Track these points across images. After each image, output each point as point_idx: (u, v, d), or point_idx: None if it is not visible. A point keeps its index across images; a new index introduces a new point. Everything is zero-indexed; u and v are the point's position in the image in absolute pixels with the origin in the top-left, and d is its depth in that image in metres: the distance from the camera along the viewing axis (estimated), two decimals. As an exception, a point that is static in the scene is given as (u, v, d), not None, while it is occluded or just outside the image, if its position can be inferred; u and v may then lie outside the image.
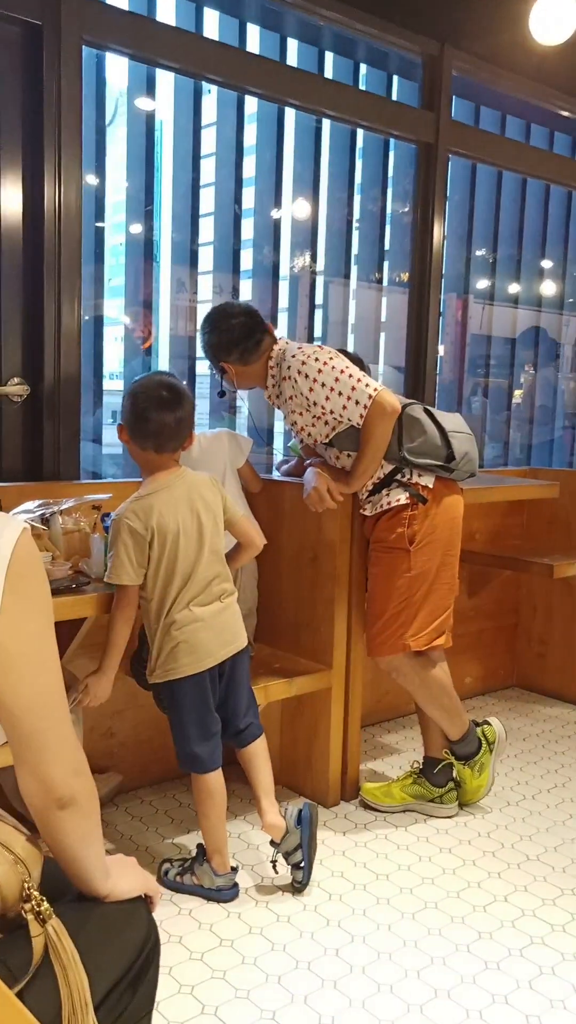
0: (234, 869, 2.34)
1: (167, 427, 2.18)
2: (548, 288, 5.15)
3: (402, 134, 3.91)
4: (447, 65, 3.88)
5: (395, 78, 4.03)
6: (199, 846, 2.35)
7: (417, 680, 2.70)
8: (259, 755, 2.38)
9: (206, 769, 2.27)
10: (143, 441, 2.21)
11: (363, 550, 2.76)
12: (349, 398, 2.50)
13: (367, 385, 2.50)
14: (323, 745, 2.83)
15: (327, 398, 2.52)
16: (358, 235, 4.12)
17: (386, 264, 4.28)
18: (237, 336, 2.62)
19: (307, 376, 2.54)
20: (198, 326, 3.74)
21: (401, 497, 2.60)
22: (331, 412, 2.54)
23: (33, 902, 1.06)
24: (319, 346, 2.64)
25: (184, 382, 2.44)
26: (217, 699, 2.30)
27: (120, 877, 1.22)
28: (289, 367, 2.57)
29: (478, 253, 4.71)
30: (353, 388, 2.50)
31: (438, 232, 4.02)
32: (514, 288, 4.95)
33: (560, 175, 4.67)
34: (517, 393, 5.22)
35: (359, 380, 2.51)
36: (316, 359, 2.55)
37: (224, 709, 2.33)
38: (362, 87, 3.94)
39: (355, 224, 4.10)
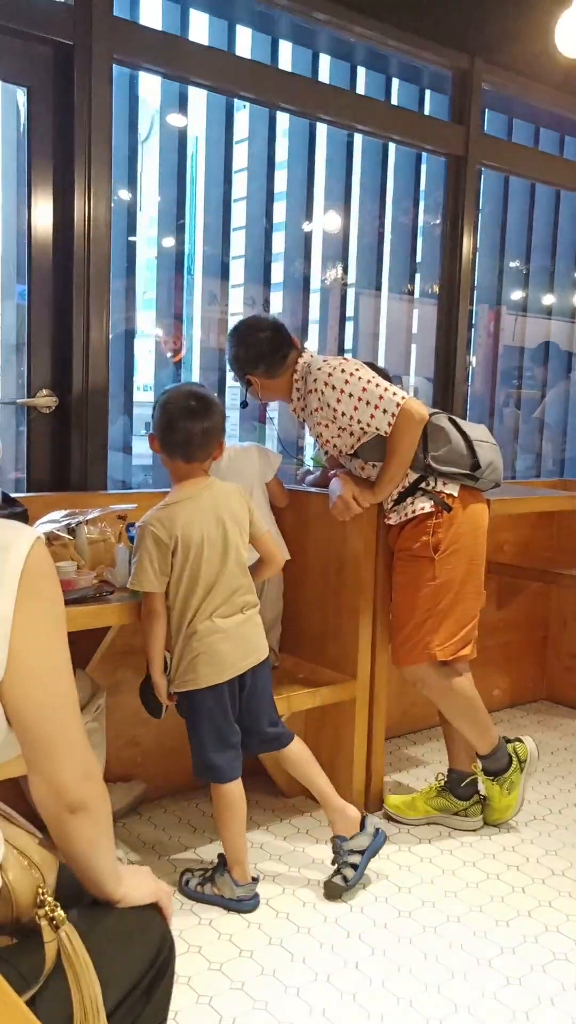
0: (255, 879, 2.35)
1: (195, 436, 2.21)
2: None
3: (433, 147, 3.92)
4: (477, 78, 3.89)
5: (427, 92, 4.05)
6: (220, 856, 2.36)
7: (443, 691, 2.69)
8: (303, 754, 2.41)
9: (224, 779, 2.28)
10: (172, 451, 2.24)
11: (388, 560, 2.76)
12: (377, 407, 2.52)
13: (394, 394, 2.52)
14: (347, 756, 2.83)
15: (355, 408, 2.54)
16: (390, 247, 4.14)
17: (418, 276, 4.28)
18: (264, 350, 2.65)
19: (334, 387, 2.55)
20: (229, 338, 3.80)
21: (426, 505, 2.60)
22: (358, 422, 2.56)
23: (47, 907, 1.08)
24: (344, 358, 2.66)
25: (215, 394, 2.46)
26: (237, 710, 2.31)
27: (133, 883, 1.23)
28: (315, 380, 2.59)
29: (511, 264, 4.70)
30: (380, 397, 2.51)
31: (468, 244, 4.01)
32: (548, 299, 4.93)
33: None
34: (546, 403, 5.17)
35: (386, 389, 2.53)
36: (342, 371, 2.57)
37: (246, 719, 2.34)
38: (395, 101, 3.96)
39: (387, 236, 4.11)
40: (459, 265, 4.02)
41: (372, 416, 2.53)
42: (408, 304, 4.24)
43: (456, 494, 2.62)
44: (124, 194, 3.26)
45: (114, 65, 2.88)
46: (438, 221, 4.11)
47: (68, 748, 1.10)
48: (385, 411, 2.51)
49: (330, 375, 2.57)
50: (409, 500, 2.64)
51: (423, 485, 2.61)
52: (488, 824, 2.80)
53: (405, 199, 4.13)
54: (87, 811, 1.12)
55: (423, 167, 4.14)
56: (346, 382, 2.55)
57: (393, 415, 2.50)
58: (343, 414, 2.56)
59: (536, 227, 4.70)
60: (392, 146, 3.98)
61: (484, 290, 4.58)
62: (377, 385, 2.54)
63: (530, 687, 4.01)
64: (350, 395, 2.54)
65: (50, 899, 1.08)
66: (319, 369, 2.59)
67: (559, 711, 3.92)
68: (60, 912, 1.08)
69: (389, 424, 2.51)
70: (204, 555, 2.20)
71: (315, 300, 3.89)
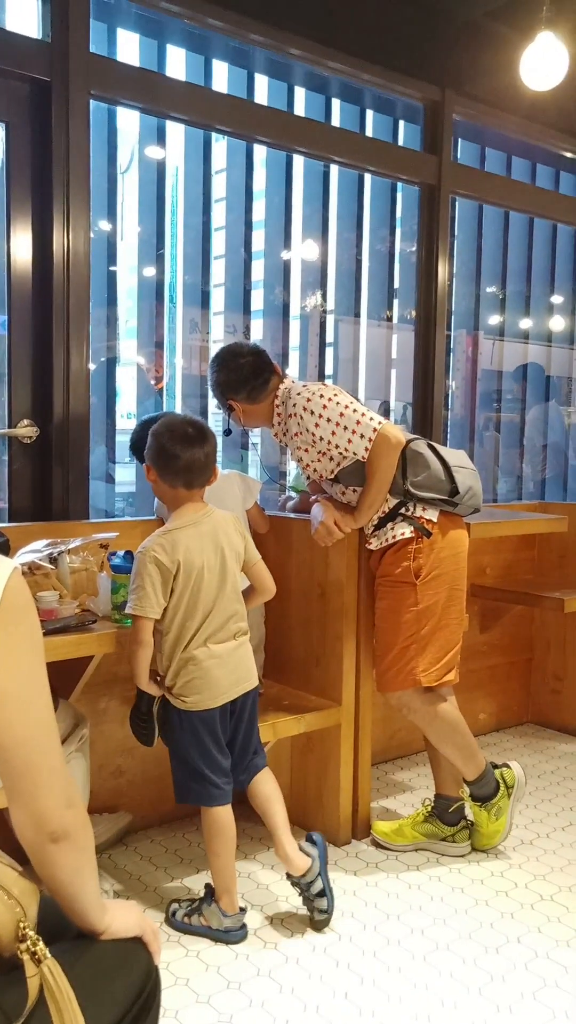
0: (243, 910, 2.32)
1: (197, 462, 2.22)
2: (558, 323, 5.18)
3: (407, 177, 3.99)
4: (448, 110, 3.97)
5: (401, 122, 4.12)
6: (207, 886, 2.34)
7: (428, 717, 2.69)
8: (268, 785, 2.37)
9: (215, 802, 2.26)
10: (173, 479, 2.24)
11: (371, 585, 2.77)
12: (354, 432, 2.54)
13: (371, 419, 2.54)
14: (333, 783, 2.81)
15: (333, 433, 2.56)
16: (367, 274, 4.19)
17: (396, 302, 4.34)
18: (245, 375, 2.67)
19: (312, 412, 2.58)
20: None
21: (406, 531, 2.62)
22: (336, 447, 2.58)
23: (28, 942, 1.07)
24: (323, 383, 2.69)
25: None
26: (227, 736, 2.30)
27: (118, 915, 1.22)
28: (295, 404, 2.61)
29: (488, 290, 4.77)
30: (358, 422, 2.54)
31: (443, 270, 4.07)
32: (524, 323, 5.00)
33: (564, 214, 4.73)
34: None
35: (363, 415, 2.55)
36: (321, 395, 2.59)
37: (231, 746, 2.33)
38: (369, 131, 4.03)
39: (364, 263, 4.16)
40: (435, 291, 4.07)
41: (350, 441, 2.55)
42: (387, 330, 4.29)
43: (436, 519, 2.63)
44: (104, 224, 3.29)
45: (92, 100, 2.92)
46: (414, 248, 4.17)
47: (49, 776, 1.10)
48: (362, 436, 2.53)
49: (309, 400, 2.59)
50: (390, 525, 2.65)
51: (403, 511, 2.63)
52: (476, 850, 2.79)
53: (381, 227, 4.19)
54: (70, 840, 1.12)
55: (398, 195, 4.21)
56: (324, 407, 2.57)
57: (370, 440, 2.52)
58: (321, 439, 2.59)
59: (511, 253, 4.78)
60: (368, 175, 4.04)
61: (462, 315, 4.64)
62: (355, 411, 2.56)
63: (516, 710, 4.01)
64: (328, 420, 2.56)
65: (32, 933, 1.07)
66: (298, 394, 2.62)
67: (545, 734, 3.92)
68: (42, 946, 1.06)
69: (366, 449, 2.54)
70: (204, 581, 2.21)
71: (295, 327, 3.93)
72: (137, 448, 2.74)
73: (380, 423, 2.53)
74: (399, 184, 4.14)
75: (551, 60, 3.29)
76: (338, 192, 4.05)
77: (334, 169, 3.97)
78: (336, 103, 3.94)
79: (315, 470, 2.70)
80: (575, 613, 3.55)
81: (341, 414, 2.55)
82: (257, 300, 3.90)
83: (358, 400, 2.64)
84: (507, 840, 2.82)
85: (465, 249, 4.56)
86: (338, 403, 2.57)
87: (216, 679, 2.23)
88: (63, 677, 2.39)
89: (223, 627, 2.25)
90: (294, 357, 4.03)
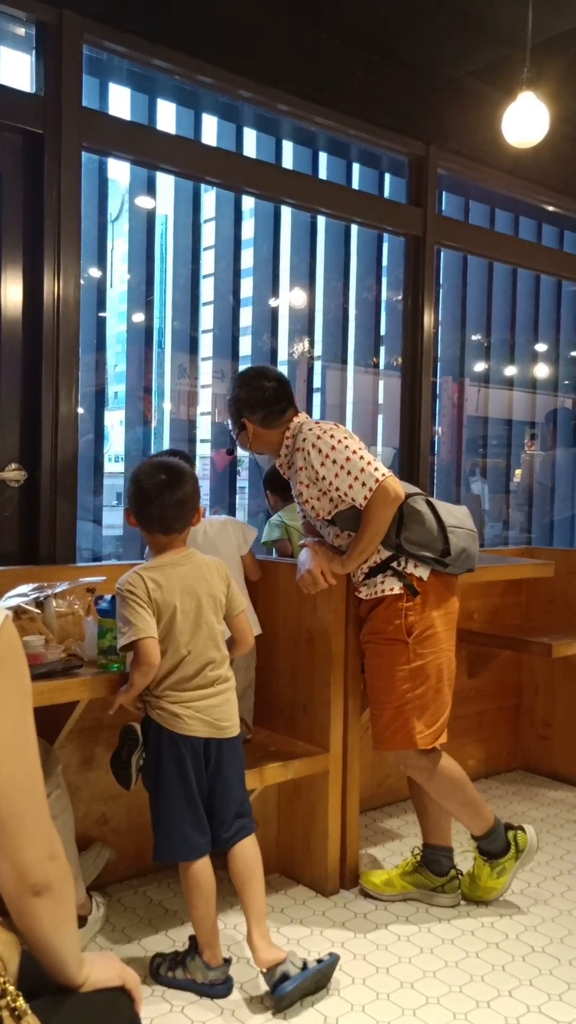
0: (227, 961, 2.26)
1: (169, 509, 2.21)
2: (541, 371, 5.26)
3: (392, 228, 4.08)
4: (432, 164, 4.07)
5: (386, 175, 4.22)
6: (191, 938, 2.29)
7: (428, 773, 2.63)
8: (249, 863, 2.26)
9: (190, 856, 2.21)
10: (149, 525, 2.24)
11: (358, 631, 2.76)
12: (356, 479, 2.53)
13: (376, 469, 2.53)
14: (321, 831, 2.77)
15: (336, 475, 2.55)
16: (354, 322, 4.26)
17: (382, 349, 4.40)
18: (267, 398, 2.66)
19: (320, 451, 2.57)
20: (199, 410, 3.85)
21: (395, 586, 2.59)
22: (336, 489, 2.57)
23: (8, 997, 1.04)
24: (335, 424, 2.67)
25: (184, 461, 2.44)
26: (204, 788, 2.25)
27: (97, 966, 1.19)
28: (304, 439, 2.60)
29: (473, 338, 4.84)
30: (362, 470, 2.53)
31: (428, 319, 4.14)
32: (509, 371, 5.07)
33: (546, 265, 4.83)
34: (517, 473, 5.28)
35: (369, 463, 2.54)
36: (331, 436, 2.59)
37: (210, 801, 2.26)
38: (356, 184, 4.13)
39: (351, 311, 4.23)
40: (421, 339, 4.14)
41: (351, 486, 2.54)
42: (373, 376, 4.35)
43: (426, 578, 2.60)
44: (94, 271, 3.34)
45: (84, 152, 2.98)
46: (400, 297, 4.24)
47: (34, 827, 1.08)
48: (364, 484, 2.52)
49: (319, 438, 2.58)
50: (380, 578, 2.62)
51: (394, 564, 2.60)
52: (467, 899, 2.74)
53: (368, 276, 4.27)
54: (51, 892, 1.09)
55: (384, 245, 4.30)
56: (332, 448, 2.56)
57: (371, 489, 2.51)
58: (323, 478, 2.58)
59: (495, 302, 4.87)
60: (354, 226, 4.13)
61: (448, 362, 4.71)
62: (361, 457, 2.55)
63: (505, 756, 3.98)
64: (334, 461, 2.56)
65: (12, 988, 1.05)
66: (310, 430, 2.61)
67: (534, 780, 3.88)
68: (22, 1002, 1.04)
69: (365, 497, 2.52)
70: (176, 622, 2.19)
71: (282, 372, 3.97)
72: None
73: (383, 475, 2.52)
74: (385, 235, 4.22)
75: (532, 119, 3.39)
76: (325, 242, 4.14)
77: (321, 219, 4.05)
78: (323, 156, 4.03)
79: (312, 508, 2.69)
80: (563, 658, 3.54)
81: (348, 458, 2.54)
82: (245, 346, 3.95)
83: (367, 448, 2.64)
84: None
85: (450, 298, 4.64)
86: (347, 447, 2.56)
87: (187, 723, 2.20)
88: (48, 722, 2.36)
89: (200, 673, 2.22)
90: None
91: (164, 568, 2.22)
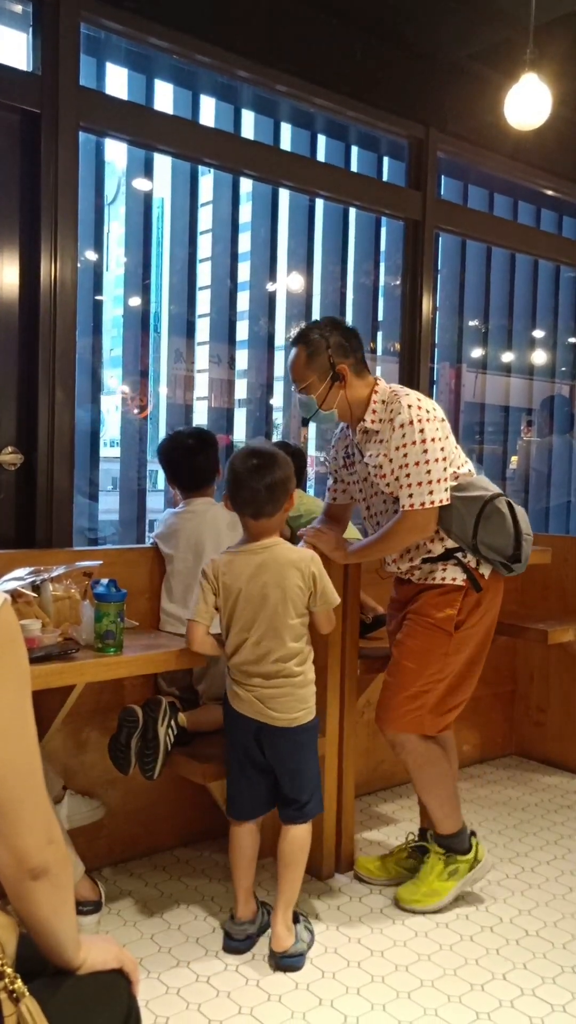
0: (251, 922, 2.38)
1: (259, 494, 2.24)
2: (539, 357, 5.25)
3: (391, 212, 4.05)
4: (432, 147, 4.04)
5: (385, 158, 4.19)
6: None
7: (420, 761, 2.60)
8: (289, 848, 2.35)
9: (234, 816, 2.37)
10: (241, 509, 2.28)
11: (355, 618, 2.76)
12: (420, 484, 2.41)
13: (444, 491, 2.43)
14: (317, 815, 2.77)
15: (415, 463, 2.42)
16: (352, 306, 4.23)
17: (380, 334, 4.38)
18: (357, 344, 2.54)
19: (421, 431, 2.41)
20: (195, 394, 3.82)
21: (457, 577, 2.52)
22: (392, 473, 2.46)
23: (6, 980, 1.04)
24: (435, 405, 2.51)
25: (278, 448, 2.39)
26: (265, 764, 2.35)
27: (94, 948, 1.19)
28: (406, 413, 2.43)
29: (471, 323, 4.82)
30: (429, 481, 2.41)
31: (427, 304, 4.12)
32: (506, 357, 5.06)
33: (545, 250, 4.81)
34: (513, 459, 5.28)
35: (439, 481, 2.42)
36: (437, 429, 2.44)
37: (276, 780, 2.37)
38: (354, 167, 4.09)
39: (348, 296, 4.20)
40: (419, 324, 4.12)
41: (410, 485, 2.42)
42: (371, 362, 4.32)
43: (487, 576, 2.55)
44: (91, 254, 3.31)
45: (80, 132, 2.95)
46: (398, 282, 4.22)
47: (33, 812, 1.08)
48: (421, 495, 2.42)
49: (429, 421, 2.43)
50: (442, 565, 2.54)
51: (460, 555, 2.53)
52: (396, 903, 2.62)
53: (366, 260, 4.24)
54: (50, 876, 1.09)
55: (383, 229, 4.27)
56: (433, 439, 2.42)
57: (422, 504, 2.42)
58: (401, 456, 2.43)
59: (493, 288, 4.84)
60: (352, 209, 4.10)
61: (445, 348, 4.69)
62: (444, 469, 2.43)
63: (499, 742, 3.99)
64: (424, 451, 2.41)
65: (10, 971, 1.05)
66: (412, 406, 2.44)
67: (528, 766, 3.90)
68: (20, 984, 1.04)
69: (411, 506, 2.43)
70: (239, 607, 2.27)
71: (279, 357, 3.96)
72: (164, 458, 2.86)
73: (437, 502, 2.43)
74: (383, 219, 4.20)
75: (534, 101, 3.35)
76: (323, 225, 4.10)
77: (319, 203, 4.02)
78: (321, 139, 4.00)
79: (387, 482, 2.51)
80: (558, 645, 3.55)
81: (436, 460, 2.42)
82: (242, 330, 3.92)
83: (451, 445, 2.51)
84: (491, 874, 2.79)
85: (448, 283, 4.62)
86: (442, 448, 2.44)
87: (238, 698, 2.32)
88: (44, 706, 2.35)
89: (260, 660, 2.27)
90: (279, 387, 4.05)
91: (240, 554, 2.29)
